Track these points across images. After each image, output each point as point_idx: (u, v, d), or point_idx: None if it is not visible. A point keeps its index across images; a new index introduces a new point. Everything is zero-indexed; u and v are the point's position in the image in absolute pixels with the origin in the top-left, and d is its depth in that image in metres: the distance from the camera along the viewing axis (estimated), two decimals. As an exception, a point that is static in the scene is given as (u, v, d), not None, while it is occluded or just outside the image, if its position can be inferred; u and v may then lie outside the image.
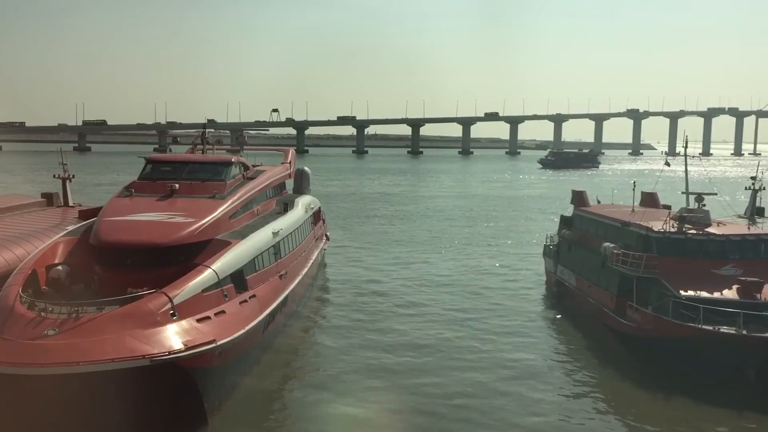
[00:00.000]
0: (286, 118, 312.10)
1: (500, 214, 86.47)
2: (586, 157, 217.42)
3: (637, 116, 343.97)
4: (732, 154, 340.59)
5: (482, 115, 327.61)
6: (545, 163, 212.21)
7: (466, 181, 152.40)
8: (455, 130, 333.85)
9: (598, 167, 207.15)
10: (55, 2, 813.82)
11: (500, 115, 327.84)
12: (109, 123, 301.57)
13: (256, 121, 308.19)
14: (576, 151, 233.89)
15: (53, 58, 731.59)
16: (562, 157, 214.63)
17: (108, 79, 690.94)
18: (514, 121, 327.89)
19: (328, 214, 60.05)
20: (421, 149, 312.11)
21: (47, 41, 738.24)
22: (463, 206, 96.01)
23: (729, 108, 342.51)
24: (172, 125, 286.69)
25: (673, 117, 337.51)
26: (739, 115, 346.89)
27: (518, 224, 77.24)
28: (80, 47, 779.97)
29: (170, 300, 22.37)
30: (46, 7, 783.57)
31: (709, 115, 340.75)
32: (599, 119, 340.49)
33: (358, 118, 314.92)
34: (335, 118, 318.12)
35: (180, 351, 20.80)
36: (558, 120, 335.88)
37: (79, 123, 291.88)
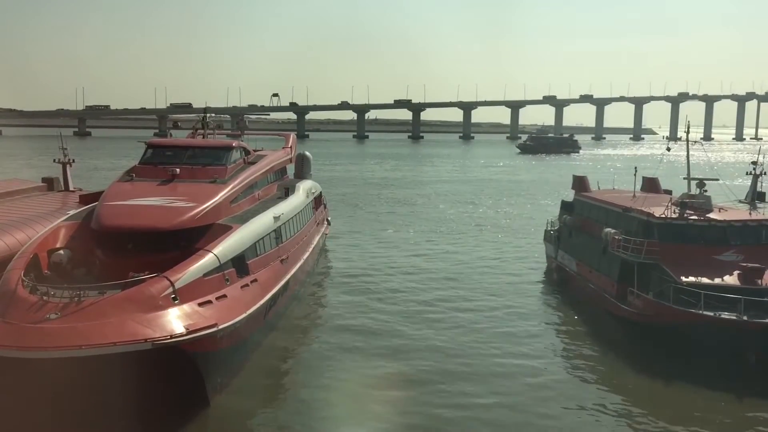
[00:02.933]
0: (348, 102, 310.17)
1: (497, 199, 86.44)
2: (566, 142, 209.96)
3: (638, 101, 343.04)
4: (733, 139, 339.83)
5: (483, 100, 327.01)
6: (524, 149, 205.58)
7: (463, 166, 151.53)
8: (456, 115, 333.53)
9: (578, 152, 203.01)
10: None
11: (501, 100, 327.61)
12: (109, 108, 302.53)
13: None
14: (556, 135, 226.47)
15: (52, 43, 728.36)
16: (542, 142, 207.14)
17: (108, 63, 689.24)
18: (515, 106, 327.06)
19: (329, 199, 60.03)
20: (421, 134, 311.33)
21: (46, 26, 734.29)
22: (462, 191, 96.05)
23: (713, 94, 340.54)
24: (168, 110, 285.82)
25: (675, 102, 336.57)
26: (740, 100, 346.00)
27: (514, 208, 77.21)
28: (81, 31, 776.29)
29: (172, 284, 22.40)
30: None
31: (710, 100, 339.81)
32: (600, 104, 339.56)
33: (353, 103, 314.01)
34: (337, 103, 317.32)
35: (182, 335, 20.84)
36: (559, 105, 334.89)
37: (80, 107, 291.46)
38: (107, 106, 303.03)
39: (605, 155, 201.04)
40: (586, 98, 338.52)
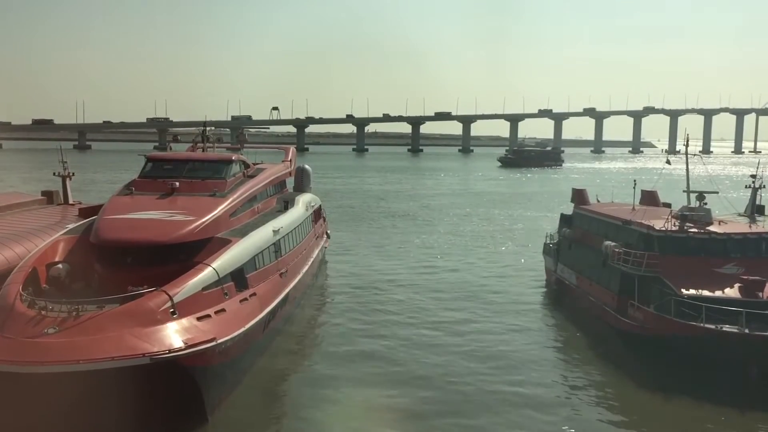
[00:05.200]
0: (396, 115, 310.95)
1: (495, 211, 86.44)
2: (549, 155, 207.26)
3: (637, 114, 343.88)
4: (732, 152, 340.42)
5: (482, 113, 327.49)
6: (505, 162, 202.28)
7: (452, 179, 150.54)
8: (456, 128, 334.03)
9: (561, 165, 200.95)
10: None
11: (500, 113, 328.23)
12: (109, 121, 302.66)
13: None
14: (538, 148, 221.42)
15: (52, 54, 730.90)
16: (523, 156, 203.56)
17: (107, 77, 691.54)
18: (514, 119, 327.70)
19: (329, 212, 60.01)
20: (421, 147, 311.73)
21: (45, 37, 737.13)
22: (461, 204, 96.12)
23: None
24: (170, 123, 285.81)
25: (673, 115, 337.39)
26: (739, 113, 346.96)
27: (509, 221, 77.22)
28: (81, 44, 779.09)
29: (170, 298, 22.34)
30: (45, 2, 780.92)
31: (708, 113, 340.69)
32: (599, 117, 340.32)
33: (356, 116, 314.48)
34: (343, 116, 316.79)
35: (180, 349, 20.77)
36: (557, 118, 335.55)
37: (80, 121, 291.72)
38: (167, 119, 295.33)
39: (588, 169, 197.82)
40: (585, 111, 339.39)
